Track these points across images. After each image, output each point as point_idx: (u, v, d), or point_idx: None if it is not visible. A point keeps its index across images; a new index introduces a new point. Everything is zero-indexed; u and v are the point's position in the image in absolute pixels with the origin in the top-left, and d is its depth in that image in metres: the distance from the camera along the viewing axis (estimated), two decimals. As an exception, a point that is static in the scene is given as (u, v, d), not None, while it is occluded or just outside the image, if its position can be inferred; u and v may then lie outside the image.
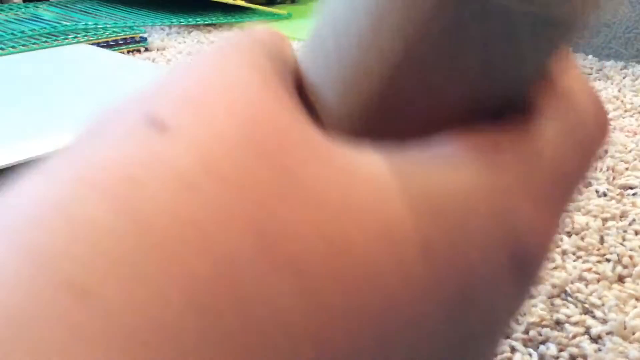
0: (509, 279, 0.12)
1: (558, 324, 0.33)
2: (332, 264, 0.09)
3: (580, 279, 0.36)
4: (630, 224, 0.42)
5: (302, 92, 0.13)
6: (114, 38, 0.88)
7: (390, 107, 0.12)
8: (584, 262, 0.38)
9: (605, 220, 0.42)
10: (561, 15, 0.11)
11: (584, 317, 0.33)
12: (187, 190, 0.09)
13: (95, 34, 0.88)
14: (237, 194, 0.09)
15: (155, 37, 0.98)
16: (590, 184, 0.48)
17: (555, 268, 0.37)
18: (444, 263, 0.11)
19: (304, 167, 0.10)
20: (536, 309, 0.34)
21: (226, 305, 0.09)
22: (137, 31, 0.90)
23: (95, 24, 0.91)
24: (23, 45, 0.83)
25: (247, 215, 0.09)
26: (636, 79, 0.73)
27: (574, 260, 0.38)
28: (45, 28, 0.88)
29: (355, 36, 0.11)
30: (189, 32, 1.00)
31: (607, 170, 0.50)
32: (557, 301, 0.34)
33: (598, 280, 0.36)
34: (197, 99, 0.11)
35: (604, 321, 0.33)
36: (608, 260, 0.38)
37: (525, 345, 0.31)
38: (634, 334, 0.32)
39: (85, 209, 0.09)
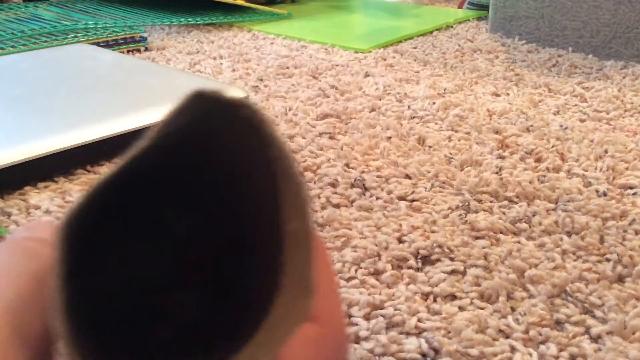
0: None
1: (558, 323, 0.33)
2: None
3: (580, 278, 0.36)
4: (630, 224, 0.42)
5: None
6: (114, 37, 0.88)
7: None
8: (584, 262, 0.38)
9: (605, 220, 0.42)
10: None
11: (584, 317, 0.33)
12: None
13: (95, 34, 0.88)
14: None
15: (155, 37, 0.98)
16: (590, 184, 0.48)
17: (555, 268, 0.37)
18: None
19: None
20: (536, 309, 0.33)
21: None
22: (137, 31, 0.90)
23: (95, 23, 0.91)
24: (23, 44, 0.83)
25: None
26: (636, 79, 0.73)
27: (574, 260, 0.38)
28: (45, 27, 0.89)
29: None
30: (189, 32, 1.00)
31: (607, 170, 0.50)
32: (557, 301, 0.34)
33: (598, 280, 0.36)
34: None
35: (604, 321, 0.33)
36: (608, 260, 0.38)
37: (525, 345, 0.31)
38: (634, 333, 0.32)
39: None
